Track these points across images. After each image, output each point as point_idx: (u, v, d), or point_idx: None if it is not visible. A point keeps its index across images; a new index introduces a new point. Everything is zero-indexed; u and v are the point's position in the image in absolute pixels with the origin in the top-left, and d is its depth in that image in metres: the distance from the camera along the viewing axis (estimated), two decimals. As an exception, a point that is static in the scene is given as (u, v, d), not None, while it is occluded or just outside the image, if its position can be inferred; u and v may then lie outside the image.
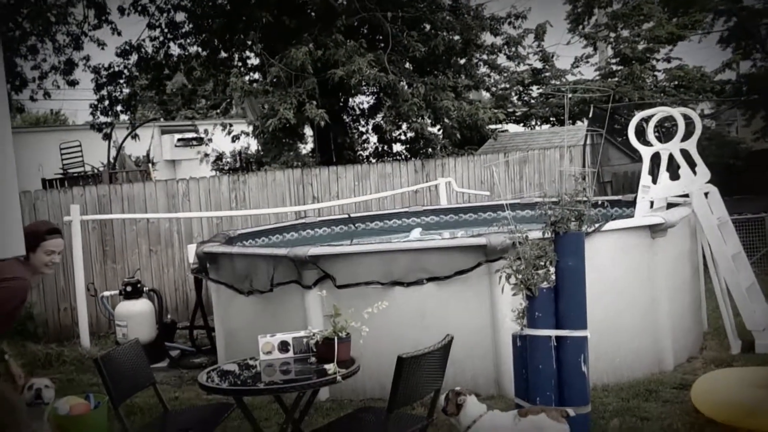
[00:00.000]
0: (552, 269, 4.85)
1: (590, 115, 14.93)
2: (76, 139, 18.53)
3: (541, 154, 14.38)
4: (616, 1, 19.95)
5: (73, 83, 16.96)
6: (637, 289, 6.54)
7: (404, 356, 4.15)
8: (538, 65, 19.98)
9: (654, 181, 7.43)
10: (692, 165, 7.37)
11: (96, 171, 17.74)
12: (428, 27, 14.55)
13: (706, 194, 7.32)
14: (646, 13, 18.70)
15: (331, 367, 4.50)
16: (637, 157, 10.46)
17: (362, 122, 16.05)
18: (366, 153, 16.02)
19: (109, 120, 16.98)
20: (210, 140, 18.01)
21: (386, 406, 4.20)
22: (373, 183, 12.36)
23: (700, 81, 18.42)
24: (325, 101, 13.10)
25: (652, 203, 7.38)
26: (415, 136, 14.65)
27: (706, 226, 7.19)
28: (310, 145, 15.16)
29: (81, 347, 8.55)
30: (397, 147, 15.87)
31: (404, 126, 14.51)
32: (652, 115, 7.74)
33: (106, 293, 8.84)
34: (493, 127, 16.64)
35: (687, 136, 7.46)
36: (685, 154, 7.45)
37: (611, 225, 6.42)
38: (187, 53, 16.08)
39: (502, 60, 17.14)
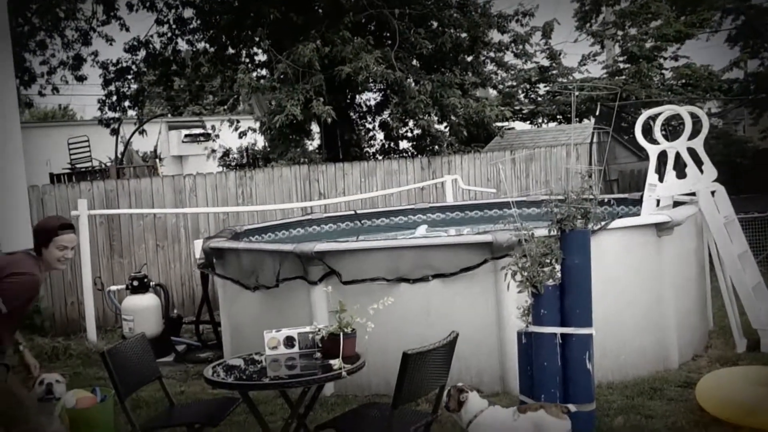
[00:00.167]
0: (558, 267, 4.86)
1: (597, 113, 14.90)
2: (84, 134, 18.56)
3: (548, 151, 14.38)
4: (623, -1, 19.92)
5: (81, 79, 17.01)
6: (643, 287, 6.54)
7: (409, 352, 4.16)
8: (546, 63, 19.95)
9: (661, 180, 7.41)
10: (699, 163, 7.35)
11: (103, 166, 17.80)
12: (435, 24, 14.56)
13: (712, 193, 7.30)
14: (654, 12, 18.64)
15: (336, 363, 4.53)
16: (643, 156, 10.42)
17: (369, 119, 16.06)
18: (372, 150, 16.01)
19: (116, 115, 17.00)
20: (217, 136, 17.97)
21: (391, 402, 4.21)
22: (379, 180, 12.37)
23: (708, 79, 18.36)
24: (332, 98, 13.10)
25: (658, 201, 7.36)
26: (421, 133, 14.68)
27: (713, 225, 7.18)
28: (316, 142, 15.16)
29: (88, 341, 8.58)
30: (404, 144, 15.88)
31: (411, 123, 14.51)
32: (659, 114, 7.70)
33: (113, 287, 8.87)
34: (499, 124, 16.64)
35: (694, 135, 7.43)
36: (692, 152, 7.42)
37: (617, 223, 6.41)
38: (195, 49, 16.11)
39: (509, 57, 17.10)
